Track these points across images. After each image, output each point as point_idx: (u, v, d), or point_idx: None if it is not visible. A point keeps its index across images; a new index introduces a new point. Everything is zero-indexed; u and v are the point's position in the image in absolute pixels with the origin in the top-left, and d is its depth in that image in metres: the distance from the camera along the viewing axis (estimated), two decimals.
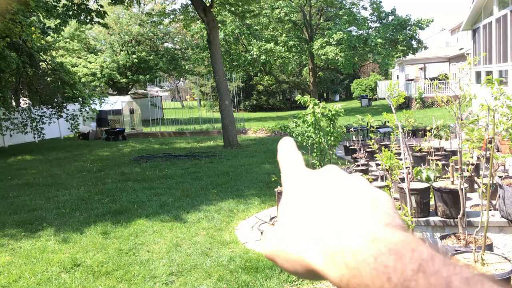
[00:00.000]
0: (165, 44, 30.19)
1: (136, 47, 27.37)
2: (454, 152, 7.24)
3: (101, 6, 12.43)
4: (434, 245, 0.30)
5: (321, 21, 27.19)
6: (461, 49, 24.35)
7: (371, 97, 33.14)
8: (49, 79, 15.10)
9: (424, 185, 4.04)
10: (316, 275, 0.33)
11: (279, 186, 5.66)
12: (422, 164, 5.87)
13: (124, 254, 4.72)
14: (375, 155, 7.86)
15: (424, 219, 3.96)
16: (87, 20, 12.38)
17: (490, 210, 3.67)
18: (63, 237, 5.40)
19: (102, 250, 4.85)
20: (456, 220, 3.65)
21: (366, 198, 0.34)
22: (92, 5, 13.24)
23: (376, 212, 0.33)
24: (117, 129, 17.55)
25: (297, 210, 0.36)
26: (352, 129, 9.89)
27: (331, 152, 6.98)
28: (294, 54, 24.75)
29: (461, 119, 3.48)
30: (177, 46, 30.74)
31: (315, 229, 0.33)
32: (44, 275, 4.28)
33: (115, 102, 19.22)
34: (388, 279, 0.28)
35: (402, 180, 3.95)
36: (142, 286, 3.91)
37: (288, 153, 0.42)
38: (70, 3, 11.91)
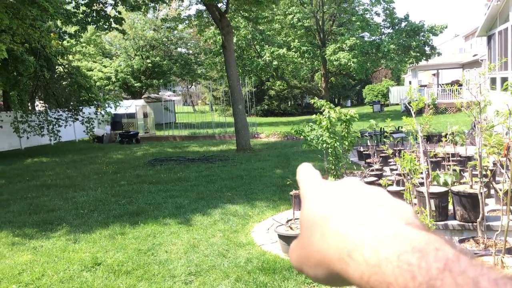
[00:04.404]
0: (179, 49, 30.52)
1: (150, 52, 27.71)
2: (469, 158, 7.23)
3: (119, 13, 12.64)
4: (457, 246, 0.30)
5: (334, 27, 27.25)
6: (475, 55, 24.19)
7: (383, 102, 33.01)
8: (65, 82, 15.38)
9: (443, 189, 4.06)
10: (337, 278, 0.33)
11: (293, 190, 5.71)
12: (438, 170, 5.88)
13: (143, 254, 4.81)
14: (389, 160, 7.89)
15: (442, 223, 3.99)
16: (105, 26, 12.61)
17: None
18: (82, 236, 5.51)
19: (121, 250, 4.94)
20: (474, 224, 3.67)
21: (386, 202, 0.34)
22: (110, 11, 13.48)
23: (395, 213, 0.33)
24: (131, 133, 17.77)
25: (317, 217, 0.35)
26: (366, 134, 9.91)
27: (345, 157, 7.02)
28: (306, 59, 24.83)
29: (480, 123, 3.51)
30: (190, 51, 31.04)
31: (334, 229, 0.33)
32: (66, 273, 4.38)
33: (129, 106, 19.47)
34: (413, 278, 0.27)
35: (420, 184, 3.97)
36: (162, 285, 3.99)
37: (307, 171, 0.43)
38: (89, 10, 12.15)
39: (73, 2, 12.21)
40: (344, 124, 6.83)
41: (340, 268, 0.31)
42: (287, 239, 4.47)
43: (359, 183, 0.38)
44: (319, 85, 30.28)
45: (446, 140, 6.39)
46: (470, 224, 3.88)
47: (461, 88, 12.40)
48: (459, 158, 7.26)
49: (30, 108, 16.94)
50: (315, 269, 0.34)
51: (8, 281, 4.25)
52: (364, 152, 9.22)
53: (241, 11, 15.06)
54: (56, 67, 14.83)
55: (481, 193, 3.51)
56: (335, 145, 6.58)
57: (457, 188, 4.06)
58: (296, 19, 23.91)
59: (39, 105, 18.56)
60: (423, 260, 0.28)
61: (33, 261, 4.78)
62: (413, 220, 0.32)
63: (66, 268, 4.50)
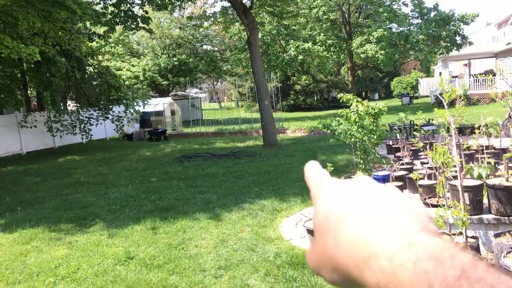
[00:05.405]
0: (204, 46, 30.78)
1: (177, 50, 28.05)
2: (504, 150, 6.98)
3: (146, 12, 12.85)
4: (473, 253, 0.30)
5: (360, 19, 26.80)
6: (508, 43, 23.29)
7: (412, 95, 32.26)
8: (95, 82, 15.79)
9: (477, 182, 3.94)
10: (353, 283, 0.33)
11: None
12: (471, 163, 5.71)
13: (173, 248, 4.90)
14: (419, 154, 7.71)
15: (477, 217, 3.87)
16: (133, 26, 12.85)
17: None
18: (115, 231, 5.66)
19: (153, 244, 5.05)
20: (511, 218, 3.54)
21: (399, 205, 0.34)
22: (137, 11, 13.73)
23: (409, 218, 0.32)
24: (159, 130, 18.07)
25: (330, 222, 0.35)
26: (396, 127, 9.73)
27: (374, 151, 6.91)
28: (332, 53, 24.54)
29: None
30: (216, 48, 31.25)
31: (348, 236, 0.33)
32: (100, 267, 4.51)
33: (157, 104, 19.80)
34: (429, 285, 0.27)
35: (453, 177, 3.87)
36: (193, 279, 4.05)
37: (315, 171, 0.42)
38: (117, 10, 12.40)
39: (101, 3, 12.49)
40: (372, 117, 6.72)
41: (357, 275, 0.31)
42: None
43: (371, 182, 0.37)
44: (346, 78, 29.90)
45: (479, 132, 6.19)
46: (506, 218, 3.75)
47: (494, 78, 11.96)
48: (493, 151, 7.01)
49: (62, 108, 17.48)
50: (332, 274, 0.35)
51: (45, 275, 4.41)
52: (393, 146, 9.05)
53: (265, 7, 15.02)
54: (87, 67, 15.23)
55: None
56: (364, 139, 6.48)
57: (492, 181, 3.93)
58: (322, 12, 23.62)
59: (71, 105, 19.13)
60: (439, 268, 0.27)
61: (68, 255, 4.94)
62: (427, 224, 0.32)
63: (100, 262, 4.63)
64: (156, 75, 26.73)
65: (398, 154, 8.16)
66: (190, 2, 15.06)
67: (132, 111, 15.59)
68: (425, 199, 4.22)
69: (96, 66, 15.47)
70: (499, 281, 0.26)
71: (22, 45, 9.37)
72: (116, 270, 4.38)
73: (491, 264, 0.29)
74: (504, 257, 3.04)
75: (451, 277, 0.27)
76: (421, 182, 4.65)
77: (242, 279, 4.00)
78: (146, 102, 16.47)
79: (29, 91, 18.74)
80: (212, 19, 16.29)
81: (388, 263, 0.29)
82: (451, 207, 3.53)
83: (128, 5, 12.66)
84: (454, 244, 0.30)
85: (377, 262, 0.30)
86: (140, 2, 12.66)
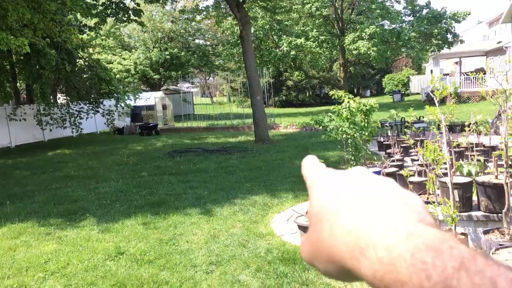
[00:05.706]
0: (196, 41, 30.61)
1: (169, 44, 27.86)
2: (493, 148, 7.06)
3: (138, 5, 12.73)
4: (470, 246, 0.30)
5: (353, 15, 26.83)
6: (499, 42, 23.54)
7: (403, 92, 32.46)
8: (86, 75, 15.63)
9: (467, 179, 3.98)
10: (348, 274, 0.32)
11: None
12: (461, 160, 5.76)
13: (164, 243, 4.88)
14: (410, 151, 7.77)
15: (466, 213, 3.92)
16: (124, 18, 12.72)
17: None
18: (105, 226, 5.62)
19: (143, 240, 5.02)
20: (500, 215, 3.59)
21: (396, 196, 0.33)
22: (128, 3, 13.58)
23: (406, 209, 0.32)
24: (151, 124, 17.97)
25: (325, 211, 0.35)
26: (387, 124, 9.78)
27: (365, 147, 6.94)
28: (325, 49, 24.56)
29: (506, 112, 3.42)
30: (208, 42, 31.10)
31: (343, 226, 0.32)
32: (90, 262, 4.48)
33: (149, 98, 19.68)
34: (428, 277, 0.27)
35: (443, 174, 3.90)
36: (183, 274, 4.05)
37: (312, 165, 0.42)
38: (108, 2, 12.26)
39: None
40: (364, 114, 6.74)
41: (353, 265, 0.31)
42: (307, 230, 4.47)
43: (367, 173, 0.37)
44: (338, 75, 29.96)
45: (469, 130, 6.25)
46: (495, 215, 3.80)
47: (485, 76, 12.03)
48: (483, 148, 7.10)
49: (52, 101, 17.26)
50: (326, 265, 0.34)
51: (35, 270, 4.37)
52: (384, 143, 9.11)
53: (259, 1, 14.97)
54: (77, 60, 15.06)
55: (507, 183, 3.43)
56: (355, 135, 6.51)
57: (481, 178, 3.98)
58: (314, 8, 23.61)
59: (61, 98, 18.91)
60: (438, 259, 0.27)
61: (58, 250, 4.90)
62: (424, 215, 0.32)
63: (90, 257, 4.60)
64: (147, 68, 26.54)
65: (389, 151, 8.22)
66: None
67: (123, 105, 15.47)
68: None
69: (87, 59, 15.30)
70: (499, 273, 0.26)
71: (12, 37, 9.22)
72: (106, 266, 4.35)
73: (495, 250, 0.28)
74: (492, 253, 3.08)
75: (450, 268, 0.26)
76: (411, 179, 4.68)
77: (233, 275, 4.01)
78: (137, 96, 16.35)
79: (18, 84, 18.48)
80: (204, 13, 16.20)
81: (386, 254, 0.29)
82: (441, 204, 3.56)
83: None
84: (453, 235, 0.30)
85: (374, 252, 0.29)
86: None
